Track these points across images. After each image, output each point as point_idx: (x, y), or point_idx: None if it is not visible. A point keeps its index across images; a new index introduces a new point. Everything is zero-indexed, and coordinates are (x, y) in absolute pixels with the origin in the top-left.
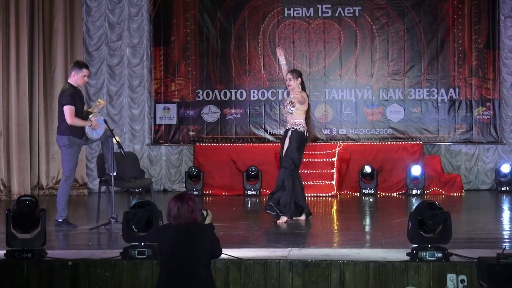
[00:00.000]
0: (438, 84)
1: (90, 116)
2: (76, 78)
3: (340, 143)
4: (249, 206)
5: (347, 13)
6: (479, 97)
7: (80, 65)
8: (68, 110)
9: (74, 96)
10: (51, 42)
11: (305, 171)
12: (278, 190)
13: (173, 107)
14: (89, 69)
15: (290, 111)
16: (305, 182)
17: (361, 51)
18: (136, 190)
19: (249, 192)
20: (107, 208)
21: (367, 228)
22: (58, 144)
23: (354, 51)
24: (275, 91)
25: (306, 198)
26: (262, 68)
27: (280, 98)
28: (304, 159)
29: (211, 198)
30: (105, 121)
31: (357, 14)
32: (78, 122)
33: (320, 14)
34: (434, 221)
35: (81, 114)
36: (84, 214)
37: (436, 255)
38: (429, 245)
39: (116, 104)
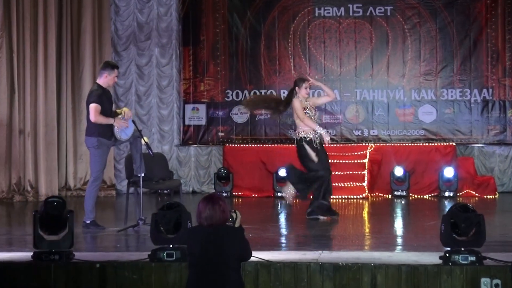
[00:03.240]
0: (471, 85)
1: (121, 115)
2: (108, 79)
3: (372, 144)
4: (279, 208)
5: (379, 12)
6: None
7: (113, 66)
8: (93, 107)
9: (102, 96)
10: (79, 42)
11: (336, 173)
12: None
13: (202, 108)
14: (119, 70)
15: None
16: (336, 184)
17: (393, 51)
18: (165, 191)
19: (278, 194)
20: (135, 210)
21: (399, 231)
22: (86, 145)
23: (386, 51)
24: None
25: (333, 200)
26: (292, 68)
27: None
28: (335, 161)
29: (240, 200)
30: (134, 122)
31: (388, 14)
32: (102, 120)
33: (351, 14)
34: (467, 224)
35: (110, 114)
36: (112, 216)
37: (469, 258)
38: (462, 249)
39: (144, 104)
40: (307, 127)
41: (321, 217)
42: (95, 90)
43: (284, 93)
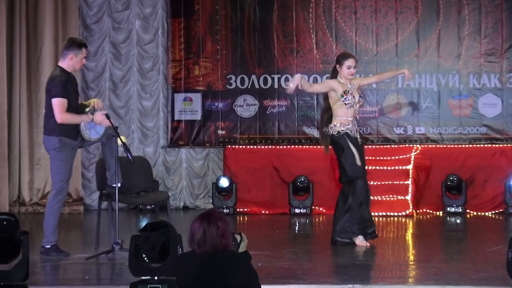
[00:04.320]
0: None
1: (87, 109)
2: (74, 62)
3: (418, 145)
4: (296, 228)
5: None
6: None
7: (80, 44)
8: (58, 104)
9: (67, 85)
10: (37, 12)
11: (372, 183)
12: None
13: (197, 98)
14: (88, 49)
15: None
16: (372, 197)
17: (445, 24)
18: (148, 207)
19: (296, 211)
20: (110, 231)
21: (453, 259)
22: (45, 147)
23: (436, 25)
24: None
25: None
26: (314, 46)
27: None
28: (370, 167)
29: (246, 218)
30: (107, 116)
31: None
32: (72, 119)
33: None
34: None
35: (75, 108)
36: (79, 239)
37: None
38: None
39: (121, 93)
40: (343, 117)
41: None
42: (57, 77)
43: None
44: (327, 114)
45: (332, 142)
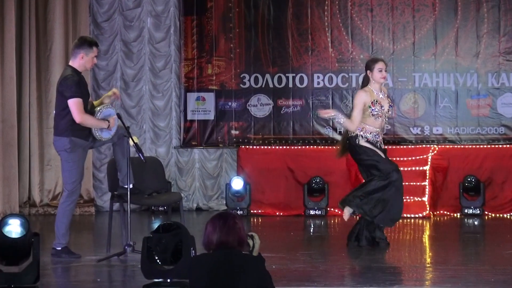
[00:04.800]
0: None
1: (99, 108)
2: (85, 61)
3: (435, 146)
4: (311, 230)
5: None
6: None
7: (90, 42)
8: (75, 104)
9: (79, 85)
10: (46, 10)
11: None
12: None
13: (210, 97)
14: (99, 48)
15: None
16: None
17: (463, 22)
18: (160, 208)
19: (311, 212)
20: (121, 233)
21: (471, 261)
22: (56, 148)
23: (454, 22)
24: (346, 76)
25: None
26: (330, 44)
27: (353, 84)
28: None
29: (260, 220)
30: (119, 116)
31: None
32: (91, 121)
33: None
34: None
35: (87, 108)
36: (91, 240)
37: None
38: None
39: (133, 93)
40: (369, 127)
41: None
42: (70, 77)
43: (318, 78)
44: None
45: (350, 146)
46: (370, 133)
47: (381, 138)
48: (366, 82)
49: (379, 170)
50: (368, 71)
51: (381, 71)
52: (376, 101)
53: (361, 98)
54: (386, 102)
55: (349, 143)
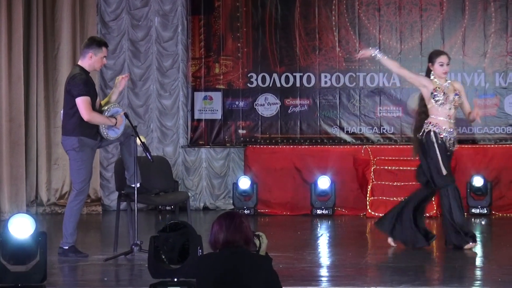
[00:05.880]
0: None
1: (107, 107)
2: (94, 61)
3: None
4: (318, 230)
5: None
6: None
7: (99, 42)
8: (83, 102)
9: (88, 84)
10: (54, 10)
11: (392, 183)
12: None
13: (217, 97)
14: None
15: None
16: (396, 198)
17: (470, 22)
18: (168, 207)
19: (318, 212)
20: (129, 232)
21: (478, 261)
22: (64, 147)
23: (461, 22)
24: (354, 76)
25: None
26: (337, 44)
27: (361, 84)
28: (393, 167)
29: (267, 219)
30: (126, 115)
31: None
32: (99, 119)
33: None
34: None
35: (94, 108)
36: (98, 240)
37: None
38: None
39: (140, 92)
40: (438, 117)
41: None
42: (78, 75)
43: (326, 77)
44: (420, 117)
45: (419, 142)
46: (440, 126)
47: (451, 130)
48: (428, 74)
49: (433, 180)
50: (430, 64)
51: (442, 65)
52: (439, 88)
53: (423, 79)
54: (451, 91)
55: (419, 140)
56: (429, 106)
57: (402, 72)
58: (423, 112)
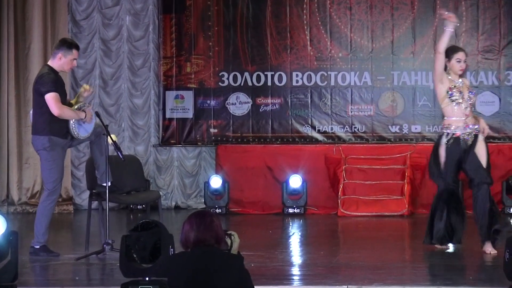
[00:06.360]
0: None
1: (77, 106)
2: (63, 62)
3: (413, 144)
4: (290, 229)
5: None
6: None
7: (70, 44)
8: (52, 98)
9: (56, 82)
10: (25, 9)
11: (364, 182)
12: None
13: (189, 96)
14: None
15: None
16: (367, 197)
17: (441, 21)
18: (139, 206)
19: (290, 211)
20: (100, 231)
21: (450, 260)
22: (35, 147)
23: (432, 21)
24: (325, 74)
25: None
26: (308, 43)
27: (332, 83)
28: (364, 166)
29: (239, 218)
30: (97, 114)
31: None
32: (69, 113)
33: None
34: None
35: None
36: (69, 239)
37: None
38: None
39: (112, 91)
40: (452, 118)
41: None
42: (46, 74)
43: (297, 76)
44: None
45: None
46: (449, 127)
47: (468, 130)
48: (444, 70)
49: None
50: (446, 60)
51: (459, 61)
52: (455, 86)
53: (444, 74)
54: (466, 89)
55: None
56: (442, 106)
57: (441, 57)
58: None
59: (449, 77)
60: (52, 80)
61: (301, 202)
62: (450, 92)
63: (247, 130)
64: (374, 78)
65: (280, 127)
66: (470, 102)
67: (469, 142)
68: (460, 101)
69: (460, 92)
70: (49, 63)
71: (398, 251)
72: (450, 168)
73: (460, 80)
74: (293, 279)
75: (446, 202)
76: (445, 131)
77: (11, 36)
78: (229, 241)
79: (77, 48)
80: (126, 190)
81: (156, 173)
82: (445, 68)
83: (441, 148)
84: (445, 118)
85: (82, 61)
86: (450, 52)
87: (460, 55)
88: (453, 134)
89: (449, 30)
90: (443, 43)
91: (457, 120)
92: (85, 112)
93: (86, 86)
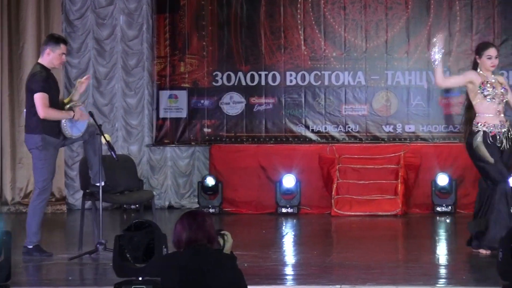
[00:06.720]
0: None
1: (67, 107)
2: (52, 57)
3: (407, 144)
4: (283, 228)
5: None
6: None
7: (57, 39)
8: (40, 98)
9: (48, 81)
10: (19, 9)
11: (357, 182)
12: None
13: (183, 95)
14: (68, 45)
15: None
16: (361, 197)
17: (436, 20)
18: (132, 206)
19: (283, 210)
20: (93, 231)
21: (443, 259)
22: (27, 146)
23: (426, 20)
24: (319, 74)
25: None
26: (302, 42)
27: (326, 82)
28: (358, 166)
29: (232, 218)
30: (91, 114)
31: None
32: (55, 114)
33: None
34: None
35: (56, 105)
36: (62, 239)
37: None
38: None
39: (105, 91)
40: (485, 115)
41: (483, 251)
42: (38, 73)
43: (291, 76)
44: (467, 115)
45: (466, 143)
46: (484, 124)
47: (503, 128)
48: (475, 67)
49: (488, 175)
50: (477, 56)
51: (490, 58)
52: (487, 81)
53: (469, 73)
54: (498, 85)
55: (467, 141)
56: (474, 103)
57: (449, 82)
58: (467, 110)
59: (481, 73)
60: (44, 79)
61: (295, 202)
62: (482, 87)
63: (241, 129)
64: (368, 78)
65: (274, 126)
66: (502, 98)
67: (504, 142)
68: (492, 95)
69: (493, 87)
70: (39, 61)
71: (392, 250)
72: (498, 158)
73: (493, 76)
74: (286, 278)
75: (508, 204)
76: (480, 129)
77: (5, 36)
78: (221, 241)
79: (65, 42)
80: (119, 189)
81: (149, 173)
82: (476, 65)
83: (481, 147)
84: (477, 115)
85: (76, 60)
86: (480, 49)
87: (491, 52)
88: (490, 132)
89: (437, 63)
90: (440, 76)
91: (491, 117)
92: (73, 112)
93: (80, 80)
